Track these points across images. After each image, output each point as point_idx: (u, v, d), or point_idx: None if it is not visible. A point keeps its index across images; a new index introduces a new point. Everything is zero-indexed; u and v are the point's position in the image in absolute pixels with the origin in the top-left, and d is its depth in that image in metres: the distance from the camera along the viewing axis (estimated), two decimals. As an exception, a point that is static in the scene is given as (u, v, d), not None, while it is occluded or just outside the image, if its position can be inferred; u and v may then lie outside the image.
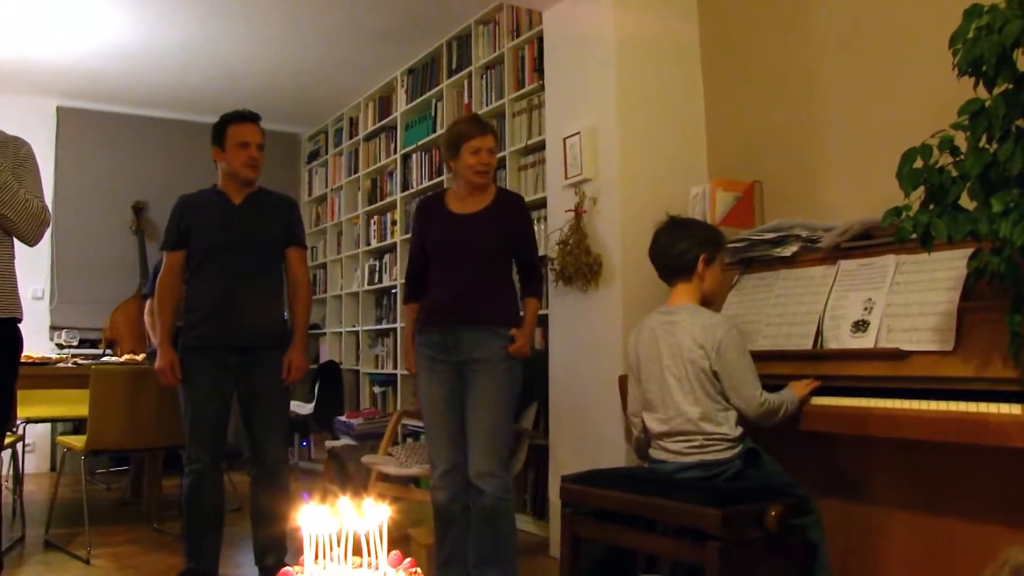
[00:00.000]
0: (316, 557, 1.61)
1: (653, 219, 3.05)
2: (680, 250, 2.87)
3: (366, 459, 4.35)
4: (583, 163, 3.96)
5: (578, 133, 3.98)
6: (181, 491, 4.45)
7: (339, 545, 1.61)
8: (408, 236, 6.19)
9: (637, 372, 2.89)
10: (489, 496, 3.24)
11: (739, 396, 2.67)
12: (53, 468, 6.82)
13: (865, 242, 2.94)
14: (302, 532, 1.60)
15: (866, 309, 2.74)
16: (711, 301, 2.96)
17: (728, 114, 3.98)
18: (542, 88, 4.69)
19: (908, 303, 2.63)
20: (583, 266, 3.85)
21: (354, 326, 7.09)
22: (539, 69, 4.80)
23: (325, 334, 7.60)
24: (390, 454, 4.37)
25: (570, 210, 3.96)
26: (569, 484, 2.91)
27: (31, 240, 3.16)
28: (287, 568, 1.64)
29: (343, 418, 6.03)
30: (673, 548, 2.59)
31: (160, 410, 4.27)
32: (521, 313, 3.42)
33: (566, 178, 4.07)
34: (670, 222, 2.98)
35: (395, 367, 6.29)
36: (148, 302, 4.84)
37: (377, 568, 1.62)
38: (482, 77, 5.53)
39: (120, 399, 4.25)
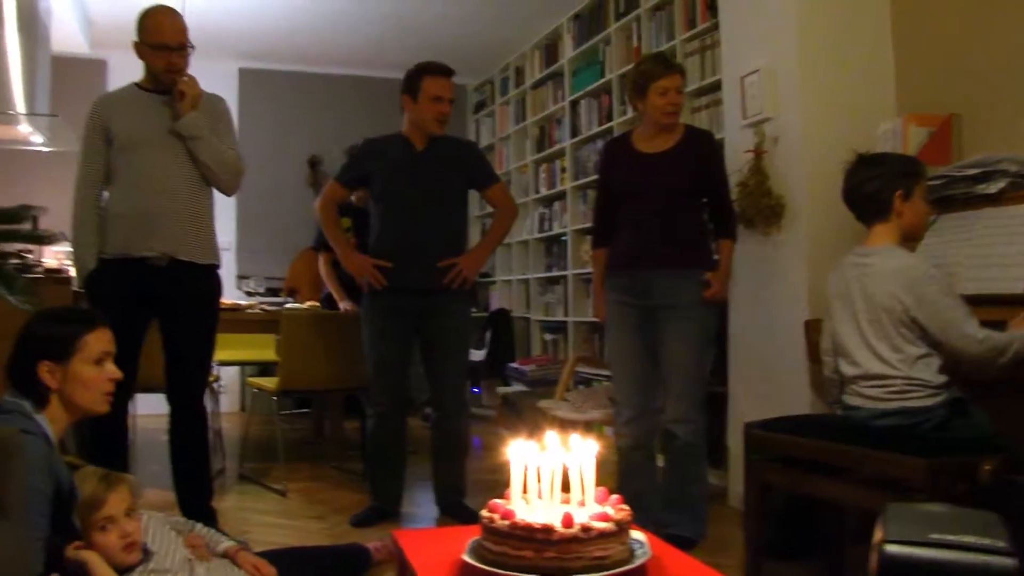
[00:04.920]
0: (523, 491, 1.63)
1: (839, 158, 2.90)
2: (873, 189, 2.71)
3: (543, 404, 4.40)
4: (763, 101, 3.81)
5: (757, 71, 3.83)
6: (361, 433, 4.66)
7: (547, 480, 1.62)
8: (578, 183, 6.21)
9: (831, 312, 2.78)
10: (681, 440, 3.22)
11: (953, 337, 2.48)
12: (242, 408, 7.27)
13: (1086, 176, 2.71)
14: (510, 466, 1.62)
15: (1088, 248, 2.53)
16: (914, 236, 2.79)
17: (920, 43, 3.72)
18: (715, 27, 4.53)
19: None
20: (764, 208, 3.71)
21: (524, 274, 7.15)
22: (712, 7, 4.64)
23: (495, 282, 7.70)
24: (566, 399, 4.40)
25: (749, 151, 3.83)
26: (756, 431, 2.84)
27: (229, 190, 3.34)
28: (495, 501, 1.66)
29: (515, 365, 6.12)
30: (870, 499, 2.48)
31: (342, 354, 4.41)
32: (715, 256, 3.35)
33: (744, 118, 3.93)
34: (858, 160, 2.81)
35: (566, 314, 6.30)
36: (322, 255, 5.03)
37: (584, 504, 1.63)
38: (651, 19, 5.40)
39: (307, 343, 4.43)
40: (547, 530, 1.53)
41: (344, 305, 4.84)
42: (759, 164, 3.79)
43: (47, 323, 2.17)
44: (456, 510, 3.76)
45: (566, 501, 1.65)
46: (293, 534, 3.55)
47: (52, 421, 2.07)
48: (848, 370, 2.67)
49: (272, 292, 7.03)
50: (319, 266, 5.13)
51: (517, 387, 5.95)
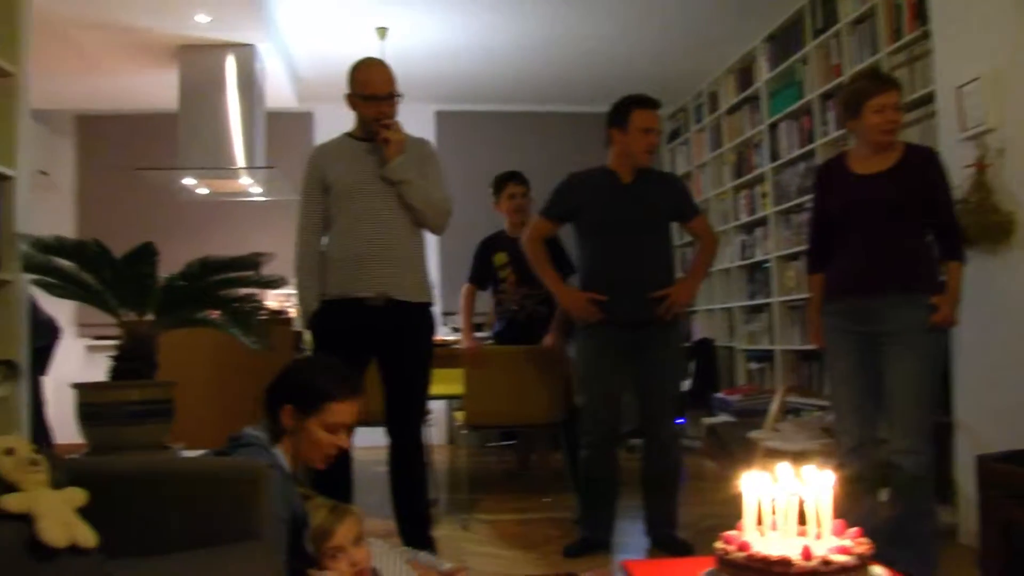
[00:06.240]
0: (758, 522, 1.59)
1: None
2: None
3: (754, 435, 4.30)
4: (984, 112, 3.59)
5: (976, 79, 3.62)
6: (563, 465, 4.67)
7: (782, 511, 1.58)
8: (780, 208, 6.04)
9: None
10: (908, 473, 3.05)
11: None
12: (451, 441, 7.48)
13: None
14: (743, 498, 1.58)
15: None
16: None
17: None
18: (924, 36, 4.32)
19: None
20: (991, 225, 3.49)
21: (727, 302, 7.02)
22: (920, 15, 4.43)
23: (697, 312, 7.59)
24: (777, 430, 4.27)
25: (970, 165, 3.61)
26: (993, 463, 2.66)
27: (438, 230, 3.49)
28: (729, 532, 1.63)
29: (721, 395, 5.99)
30: None
31: (531, 389, 4.43)
32: (942, 278, 3.17)
33: (963, 130, 3.71)
34: None
35: (771, 343, 6.13)
36: (466, 286, 5.11)
37: (820, 536, 1.57)
38: (852, 33, 5.20)
39: (490, 378, 4.45)
40: (785, 563, 1.48)
41: (464, 342, 4.90)
42: (982, 179, 3.57)
43: (311, 371, 2.31)
44: (668, 541, 3.71)
45: (803, 534, 1.59)
46: (507, 564, 3.60)
47: (285, 453, 2.20)
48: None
49: (476, 327, 7.23)
50: (462, 296, 5.19)
51: (723, 417, 5.82)
